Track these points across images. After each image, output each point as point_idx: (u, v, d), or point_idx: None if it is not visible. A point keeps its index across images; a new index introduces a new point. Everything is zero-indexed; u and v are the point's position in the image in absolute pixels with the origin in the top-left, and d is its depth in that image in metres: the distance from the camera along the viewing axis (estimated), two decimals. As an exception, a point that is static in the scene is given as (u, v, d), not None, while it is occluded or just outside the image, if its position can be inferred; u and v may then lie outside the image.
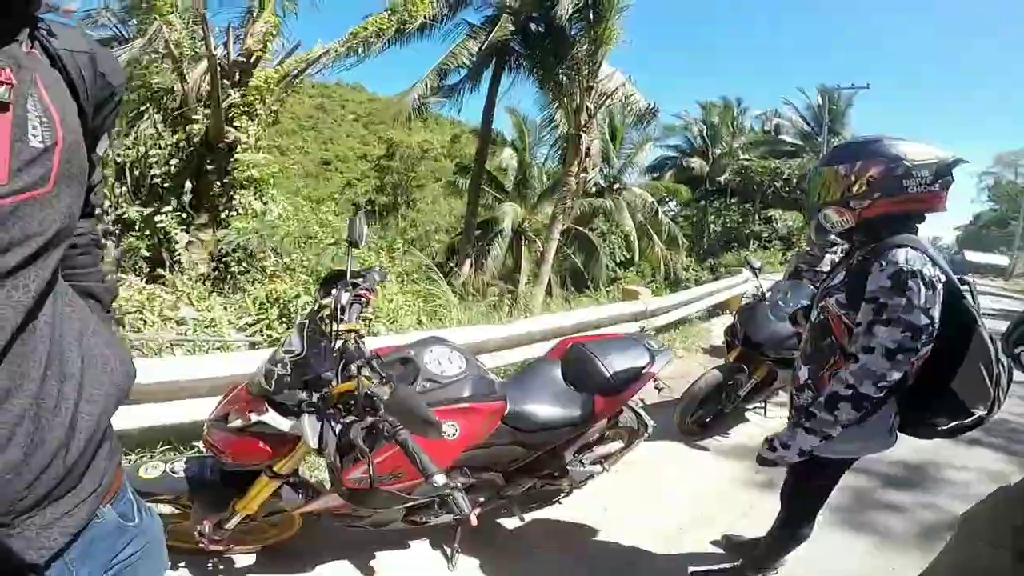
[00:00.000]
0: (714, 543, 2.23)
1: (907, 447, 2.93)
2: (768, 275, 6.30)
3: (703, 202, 23.27)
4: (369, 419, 1.15)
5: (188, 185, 6.14)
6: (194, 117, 6.33)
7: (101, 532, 0.67)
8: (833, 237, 1.65)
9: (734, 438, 3.34)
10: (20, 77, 0.53)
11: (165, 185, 6.15)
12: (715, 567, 2.05)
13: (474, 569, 1.95)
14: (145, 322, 3.79)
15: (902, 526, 2.47)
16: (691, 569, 2.03)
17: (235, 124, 6.32)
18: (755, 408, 3.72)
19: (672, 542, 2.22)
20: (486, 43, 10.72)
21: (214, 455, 1.48)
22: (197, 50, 6.46)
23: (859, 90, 21.35)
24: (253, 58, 6.53)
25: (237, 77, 6.48)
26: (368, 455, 1.16)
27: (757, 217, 21.85)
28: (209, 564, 1.78)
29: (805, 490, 1.75)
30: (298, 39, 7.22)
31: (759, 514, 2.29)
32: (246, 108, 6.44)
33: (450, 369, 1.66)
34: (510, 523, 2.20)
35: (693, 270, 18.32)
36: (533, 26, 11.01)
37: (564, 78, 10.16)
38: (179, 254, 5.54)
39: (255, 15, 6.82)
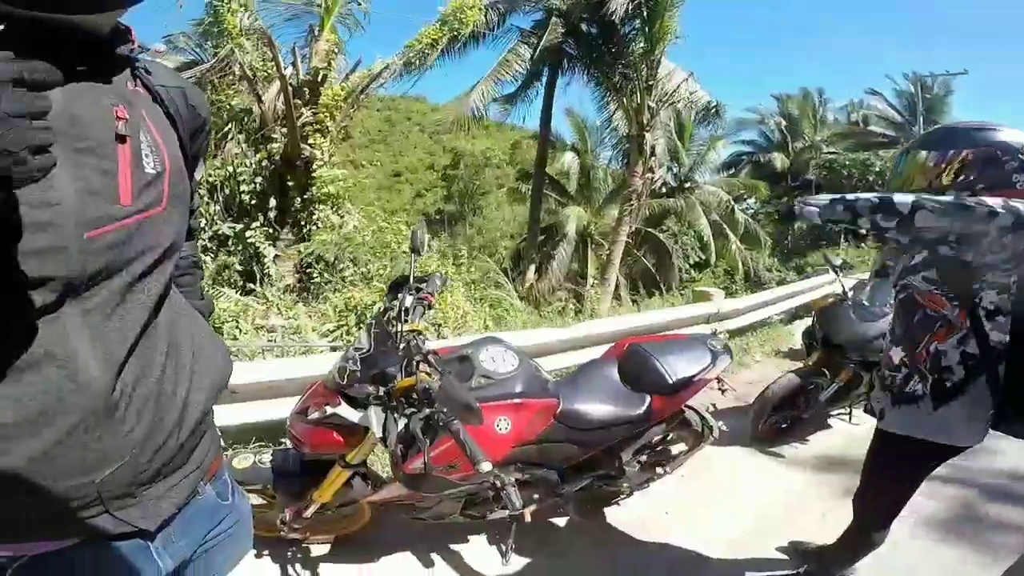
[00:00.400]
0: (780, 550, 2.12)
1: (1016, 457, 2.67)
2: (857, 276, 5.84)
3: (786, 198, 22.00)
4: (426, 411, 1.24)
5: (272, 202, 6.67)
6: (272, 136, 6.79)
7: (200, 507, 0.73)
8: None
9: (813, 445, 3.13)
10: (131, 113, 0.61)
11: (252, 202, 6.69)
12: (777, 574, 1.96)
13: (528, 566, 1.98)
14: (240, 330, 4.20)
15: (997, 540, 2.22)
16: (750, 575, 1.96)
17: (309, 142, 6.75)
18: (839, 414, 3.47)
19: (736, 549, 2.14)
20: (538, 48, 10.70)
21: (295, 446, 1.64)
22: (269, 71, 6.93)
23: (955, 76, 19.44)
24: (320, 76, 6.92)
25: (307, 96, 6.90)
26: (425, 444, 1.24)
27: None
28: (288, 552, 1.91)
29: (879, 489, 1.65)
30: (359, 56, 7.59)
31: (832, 524, 2.10)
32: (318, 126, 6.84)
33: (503, 367, 1.72)
34: (567, 524, 2.21)
35: (777, 270, 17.27)
36: (584, 27, 10.85)
37: (621, 78, 9.98)
38: (268, 267, 6.06)
39: (316, 34, 7.21)
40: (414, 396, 1.32)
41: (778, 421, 3.10)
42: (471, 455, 1.11)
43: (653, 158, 10.40)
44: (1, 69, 0.42)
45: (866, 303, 3.10)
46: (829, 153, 20.61)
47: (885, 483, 1.63)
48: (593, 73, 10.81)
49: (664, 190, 16.25)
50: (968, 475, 2.55)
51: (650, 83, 9.67)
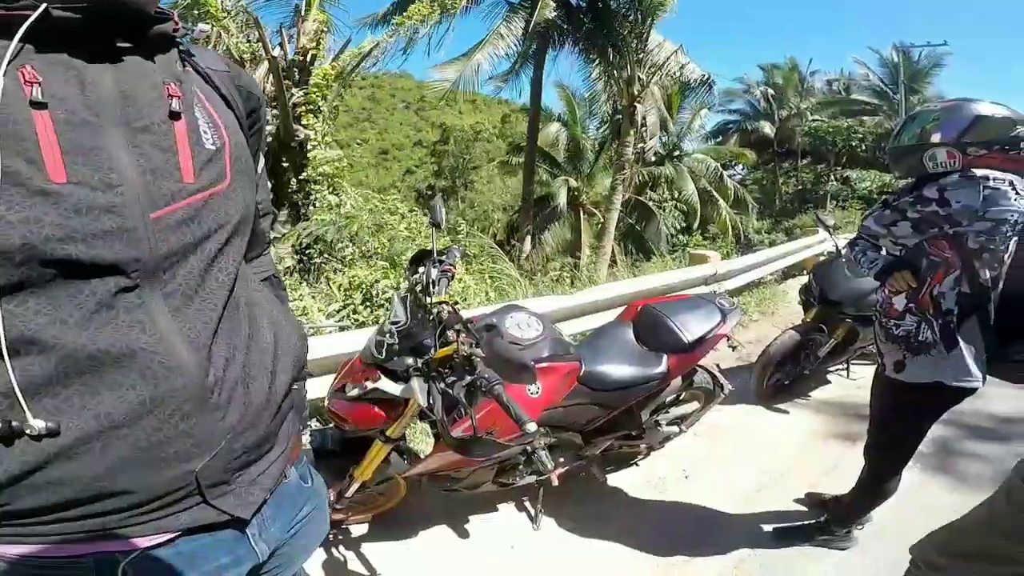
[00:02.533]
0: (797, 501, 2.23)
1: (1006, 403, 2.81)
2: (846, 235, 5.96)
3: (772, 165, 22.22)
4: (468, 378, 1.28)
5: (268, 184, 6.58)
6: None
7: (288, 491, 0.72)
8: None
9: (815, 400, 3.28)
10: (183, 90, 0.59)
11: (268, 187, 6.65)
12: (797, 523, 2.04)
13: (557, 530, 2.05)
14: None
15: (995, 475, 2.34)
16: (773, 527, 2.04)
17: (303, 123, 6.62)
18: (837, 369, 3.61)
19: (753, 502, 2.24)
20: (530, 22, 10.51)
21: (336, 423, 1.67)
22: (256, 53, 6.73)
23: (936, 48, 19.60)
24: (309, 56, 6.73)
25: (297, 76, 6.73)
26: (470, 409, 1.29)
27: (833, 177, 20.83)
28: (330, 536, 1.93)
29: (892, 439, 1.73)
30: (348, 34, 7.47)
31: (843, 472, 2.26)
32: (310, 106, 6.70)
33: (529, 332, 1.77)
34: (591, 486, 2.28)
35: (766, 232, 17.67)
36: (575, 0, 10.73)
37: (612, 50, 9.92)
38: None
39: (303, 13, 6.99)
40: (452, 365, 1.35)
41: (780, 378, 3.21)
42: (516, 416, 1.14)
43: (644, 128, 10.38)
44: None
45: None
46: (814, 121, 20.89)
47: (899, 432, 1.70)
48: (585, 46, 10.65)
49: (654, 159, 16.26)
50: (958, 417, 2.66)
51: (641, 56, 9.64)
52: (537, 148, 14.16)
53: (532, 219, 13.37)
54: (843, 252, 3.26)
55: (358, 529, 2.01)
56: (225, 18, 6.46)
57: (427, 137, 24.33)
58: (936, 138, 1.55)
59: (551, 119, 16.61)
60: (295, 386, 0.73)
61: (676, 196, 16.03)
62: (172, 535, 0.58)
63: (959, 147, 1.51)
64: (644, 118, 10.23)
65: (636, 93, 9.83)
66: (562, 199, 14.65)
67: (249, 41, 6.81)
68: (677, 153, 17.07)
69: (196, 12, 6.32)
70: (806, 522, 2.04)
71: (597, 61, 10.62)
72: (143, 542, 0.56)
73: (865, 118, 19.66)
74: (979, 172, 1.44)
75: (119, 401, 0.51)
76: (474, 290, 5.02)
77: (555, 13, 10.56)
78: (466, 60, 10.88)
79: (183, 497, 0.57)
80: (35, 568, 0.54)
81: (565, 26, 11.03)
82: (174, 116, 0.57)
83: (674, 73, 10.57)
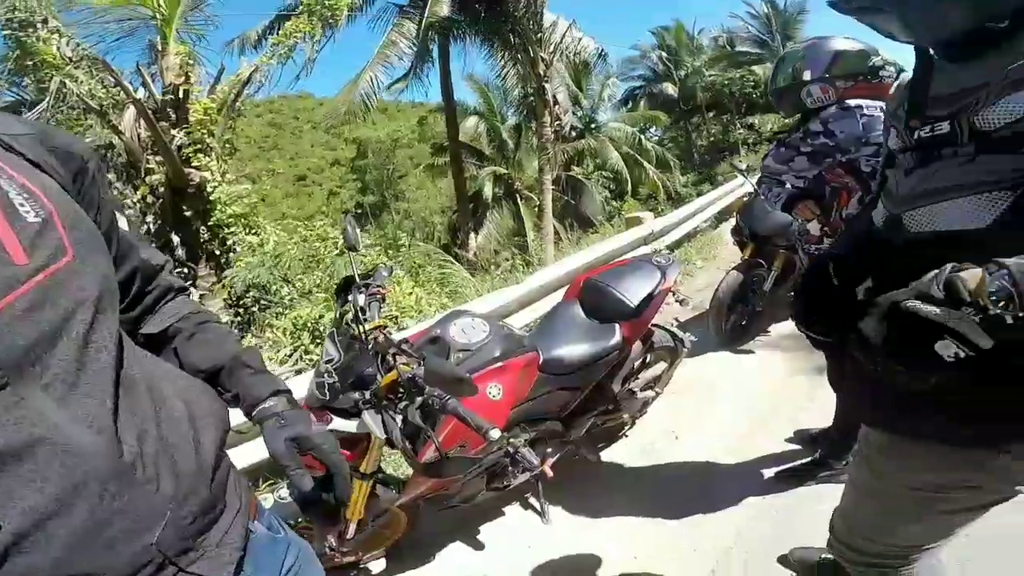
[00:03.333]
0: (788, 441, 2.24)
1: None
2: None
3: (683, 122, 23.32)
4: (418, 399, 1.20)
5: (176, 239, 6.11)
6: (148, 167, 6.14)
7: (260, 544, 0.72)
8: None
9: (775, 335, 3.38)
10: None
11: (151, 245, 6.18)
12: (796, 464, 2.04)
13: (565, 519, 2.03)
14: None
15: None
16: (775, 471, 2.04)
17: (193, 164, 6.16)
18: (788, 299, 3.75)
19: (745, 450, 2.24)
20: (422, 21, 10.38)
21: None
22: (117, 97, 6.22)
23: None
24: (181, 92, 6.26)
25: (174, 116, 6.25)
26: (431, 432, 1.21)
27: (738, 125, 22.24)
28: None
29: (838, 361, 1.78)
30: (221, 63, 7.09)
31: (820, 403, 2.27)
32: (198, 145, 6.23)
33: (476, 336, 1.71)
34: (588, 469, 2.26)
35: (693, 185, 18.52)
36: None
37: (512, 35, 10.00)
38: (197, 312, 5.63)
39: (161, 48, 6.47)
40: (401, 389, 1.29)
41: (736, 320, 3.31)
42: (476, 427, 1.09)
43: (557, 106, 10.53)
44: None
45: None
46: (711, 76, 22.06)
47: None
48: (484, 35, 10.62)
49: (573, 134, 16.60)
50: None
51: (540, 36, 9.78)
52: (462, 143, 14.11)
53: (472, 215, 13.31)
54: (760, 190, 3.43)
55: (376, 566, 1.94)
56: (67, 66, 5.90)
57: (344, 154, 23.59)
58: (807, 76, 1.71)
59: (468, 113, 16.57)
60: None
61: (603, 166, 16.47)
62: None
63: (829, 82, 1.67)
64: (555, 96, 10.37)
65: (542, 73, 9.98)
66: (489, 189, 14.72)
67: (105, 86, 6.25)
68: (594, 125, 17.58)
69: (30, 63, 5.74)
70: (803, 461, 2.05)
71: (499, 47, 10.65)
72: None
73: (755, 68, 20.92)
74: (852, 102, 1.59)
75: (39, 493, 0.49)
76: (427, 300, 4.91)
77: (448, 8, 10.45)
78: (368, 72, 10.62)
79: (157, 570, 0.56)
80: None
81: (461, 18, 10.94)
82: None
83: (572, 49, 10.78)
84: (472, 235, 12.66)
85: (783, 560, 1.65)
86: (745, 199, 3.65)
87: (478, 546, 1.98)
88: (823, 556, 1.50)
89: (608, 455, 2.31)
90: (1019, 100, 0.68)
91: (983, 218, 0.71)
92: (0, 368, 0.48)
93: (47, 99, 5.95)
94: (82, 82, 6.00)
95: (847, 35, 1.72)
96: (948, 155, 0.77)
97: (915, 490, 0.88)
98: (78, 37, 6.29)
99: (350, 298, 1.55)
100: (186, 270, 6.03)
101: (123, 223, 0.75)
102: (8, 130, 0.59)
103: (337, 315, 1.68)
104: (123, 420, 0.57)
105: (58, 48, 5.93)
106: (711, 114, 23.51)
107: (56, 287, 0.52)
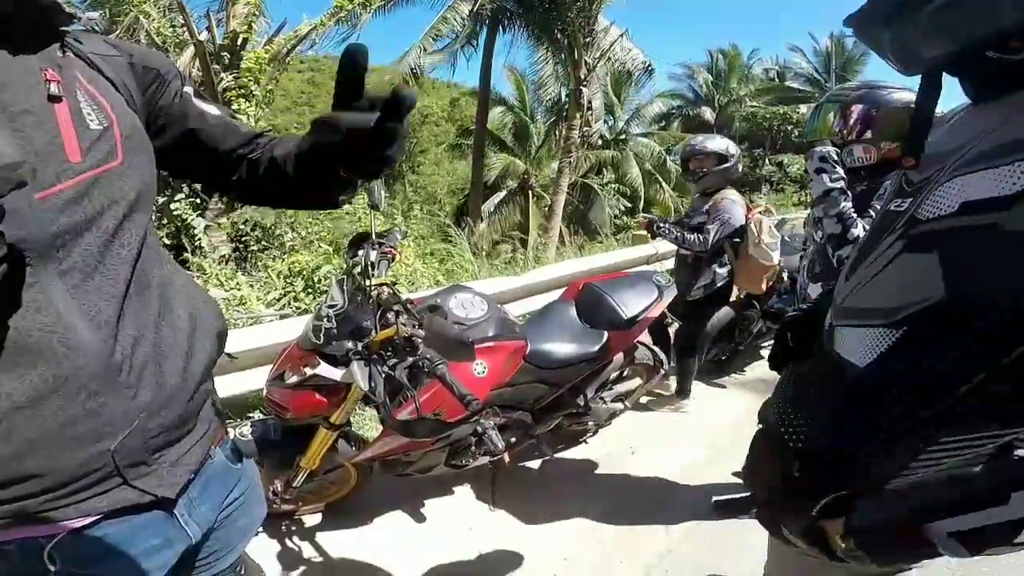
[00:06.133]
0: (735, 474, 2.30)
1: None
2: (780, 216, 6.31)
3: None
4: (410, 359, 1.27)
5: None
6: None
7: (214, 472, 0.74)
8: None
9: (749, 374, 3.46)
10: (63, 75, 0.60)
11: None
12: (737, 496, 2.16)
13: (511, 509, 2.08)
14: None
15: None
16: (714, 498, 2.15)
17: (233, 107, 6.29)
18: (769, 344, 3.82)
19: (696, 476, 2.31)
20: (476, 4, 10.42)
21: (276, 413, 1.62)
22: (181, 38, 6.41)
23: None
24: (240, 40, 6.47)
25: (227, 60, 6.45)
26: (414, 392, 1.28)
27: (767, 162, 21.95)
28: (283, 525, 1.93)
29: None
30: (284, 17, 7.20)
31: None
32: (241, 90, 6.42)
33: (474, 312, 1.77)
34: (544, 466, 2.33)
35: None
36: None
37: (559, 33, 9.98)
38: (199, 239, 5.69)
39: None
40: (392, 347, 1.34)
41: (718, 353, 3.38)
42: (460, 395, 1.14)
43: (591, 112, 10.54)
44: None
45: (787, 239, 3.39)
46: (752, 107, 21.84)
47: None
48: (532, 29, 10.62)
49: (600, 143, 16.59)
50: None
51: (587, 39, 9.74)
52: (489, 131, 14.13)
53: (482, 202, 13.36)
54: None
55: (311, 519, 1.98)
56: (144, 2, 6.03)
57: (372, 121, 23.42)
58: (852, 135, 1.58)
59: (498, 102, 16.53)
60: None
61: (621, 179, 16.49)
62: (95, 518, 0.58)
63: (872, 143, 1.56)
64: (590, 102, 10.39)
65: (583, 76, 9.95)
66: (513, 182, 14.70)
67: (173, 26, 6.47)
68: (623, 137, 17.50)
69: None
70: (742, 495, 2.14)
71: (545, 43, 10.65)
72: (65, 525, 0.57)
73: (801, 107, 20.51)
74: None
75: (19, 382, 0.51)
76: (422, 273, 4.96)
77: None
78: (419, 45, 10.67)
79: (102, 479, 0.57)
80: None
81: (513, 9, 10.96)
82: (54, 99, 0.57)
83: (619, 58, 10.78)
84: (481, 222, 12.71)
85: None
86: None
87: (420, 518, 2.02)
88: None
89: (564, 457, 2.37)
90: (967, 185, 0.48)
91: (864, 358, 0.60)
92: (28, 248, 0.52)
93: (118, 31, 6.17)
94: (153, 19, 6.24)
95: (903, 86, 1.52)
96: (883, 249, 0.61)
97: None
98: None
99: (360, 252, 1.61)
100: (198, 200, 6.08)
101: (212, 109, 0.78)
102: (97, 50, 0.67)
103: (348, 266, 1.72)
104: (125, 319, 0.60)
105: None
106: (743, 145, 23.36)
107: (99, 185, 0.59)
